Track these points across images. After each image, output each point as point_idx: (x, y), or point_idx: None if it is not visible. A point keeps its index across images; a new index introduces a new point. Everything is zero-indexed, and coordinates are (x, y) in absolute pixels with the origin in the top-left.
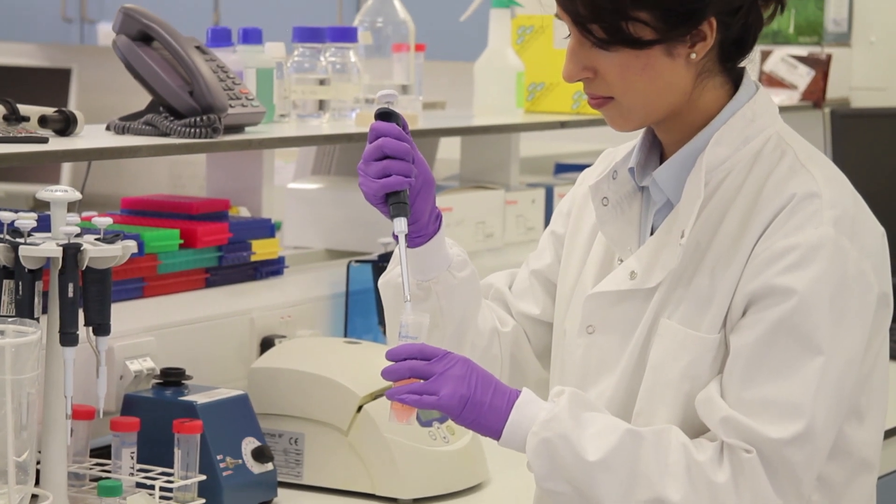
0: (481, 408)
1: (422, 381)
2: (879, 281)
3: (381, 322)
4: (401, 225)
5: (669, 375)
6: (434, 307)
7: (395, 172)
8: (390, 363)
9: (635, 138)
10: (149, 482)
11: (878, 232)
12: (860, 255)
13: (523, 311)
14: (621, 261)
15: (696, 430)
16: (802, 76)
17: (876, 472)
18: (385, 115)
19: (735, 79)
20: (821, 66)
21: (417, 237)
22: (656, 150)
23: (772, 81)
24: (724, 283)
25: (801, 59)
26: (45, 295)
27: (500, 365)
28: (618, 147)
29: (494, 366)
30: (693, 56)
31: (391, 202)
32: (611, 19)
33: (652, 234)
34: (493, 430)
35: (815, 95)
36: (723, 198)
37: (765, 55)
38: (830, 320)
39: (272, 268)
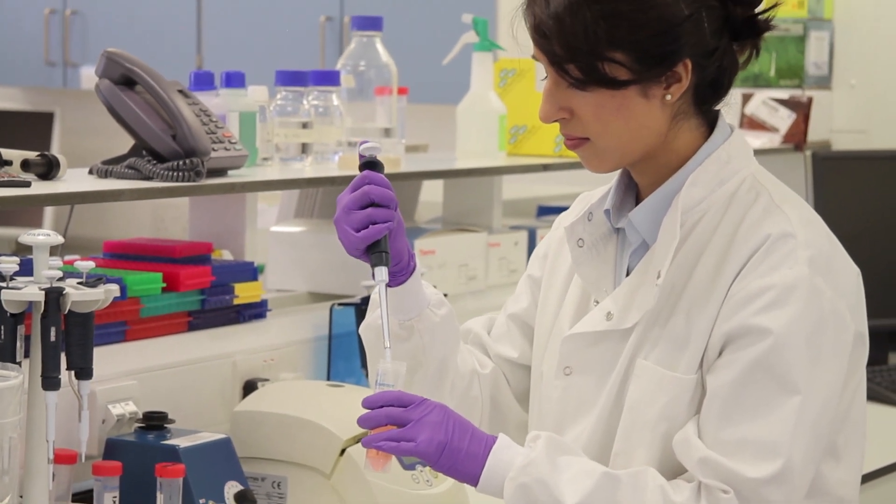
0: (458, 454)
1: (398, 427)
2: (855, 320)
3: (364, 365)
4: (382, 274)
5: (647, 416)
6: (417, 346)
7: (378, 220)
8: (367, 411)
9: (611, 181)
10: None
11: (853, 272)
12: (835, 295)
13: (501, 355)
14: (597, 302)
15: (675, 470)
16: (783, 119)
17: None
18: (371, 164)
19: (710, 121)
20: (802, 109)
21: (400, 276)
22: (632, 192)
23: (753, 124)
24: (701, 323)
25: (783, 102)
26: (28, 339)
27: (480, 407)
28: (593, 191)
29: (475, 408)
30: (668, 97)
31: (373, 252)
32: (586, 59)
33: (628, 275)
34: (470, 475)
35: (796, 138)
36: (698, 239)
37: (746, 98)
38: (807, 360)
39: (255, 311)
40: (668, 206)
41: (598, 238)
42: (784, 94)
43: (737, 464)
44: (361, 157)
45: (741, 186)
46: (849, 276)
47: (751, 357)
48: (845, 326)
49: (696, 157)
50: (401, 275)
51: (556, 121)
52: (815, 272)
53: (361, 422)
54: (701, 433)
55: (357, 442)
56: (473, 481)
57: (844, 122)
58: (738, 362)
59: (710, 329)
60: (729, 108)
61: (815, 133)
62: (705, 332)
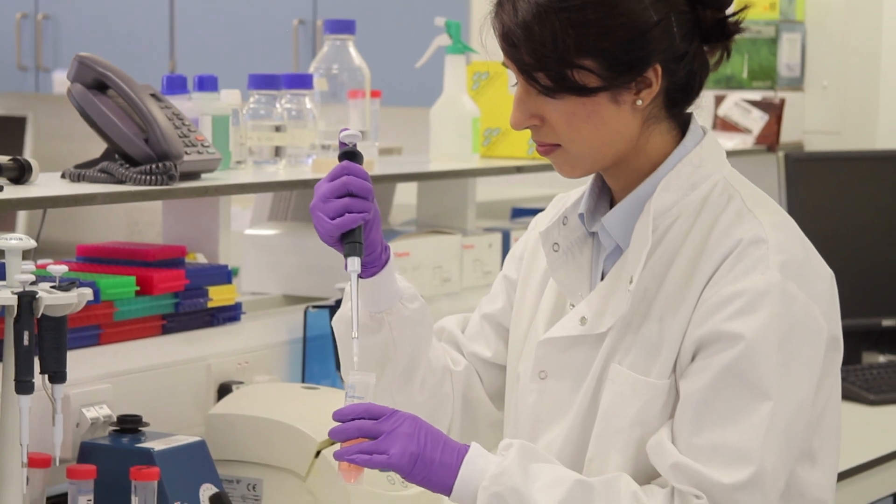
0: (431, 465)
1: (370, 440)
2: (829, 324)
3: (339, 367)
4: (354, 264)
5: (620, 421)
6: (387, 338)
7: (354, 210)
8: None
9: (587, 183)
10: None
11: (826, 275)
12: (808, 300)
13: (475, 353)
14: (573, 306)
15: (648, 475)
16: (756, 120)
17: None
18: (350, 155)
19: (682, 124)
20: (774, 111)
21: (372, 268)
22: (606, 196)
23: (726, 125)
24: (673, 328)
25: (755, 104)
26: (0, 343)
27: (451, 404)
28: (569, 192)
29: (446, 405)
30: (639, 103)
31: (346, 241)
32: (556, 67)
33: (602, 279)
34: (443, 486)
35: (768, 139)
36: (671, 243)
37: (718, 100)
38: (778, 365)
39: (229, 314)
40: (640, 211)
41: (573, 242)
42: (756, 95)
43: (710, 469)
44: (341, 144)
45: (713, 190)
46: (822, 280)
47: (722, 363)
48: (818, 331)
49: (667, 161)
50: (373, 266)
51: (527, 127)
52: (787, 277)
53: (333, 434)
54: (674, 438)
55: (332, 444)
56: (447, 492)
57: (817, 124)
58: (710, 368)
59: (682, 334)
60: (701, 110)
61: (788, 134)
62: (678, 338)
